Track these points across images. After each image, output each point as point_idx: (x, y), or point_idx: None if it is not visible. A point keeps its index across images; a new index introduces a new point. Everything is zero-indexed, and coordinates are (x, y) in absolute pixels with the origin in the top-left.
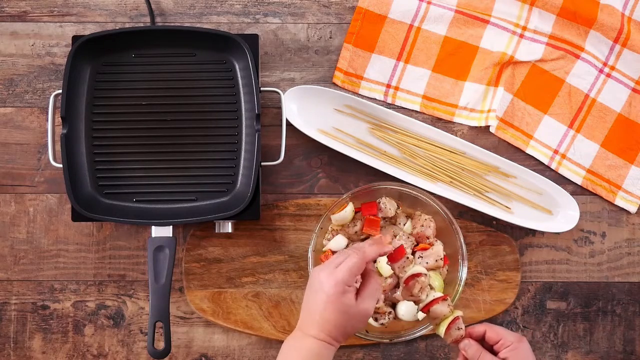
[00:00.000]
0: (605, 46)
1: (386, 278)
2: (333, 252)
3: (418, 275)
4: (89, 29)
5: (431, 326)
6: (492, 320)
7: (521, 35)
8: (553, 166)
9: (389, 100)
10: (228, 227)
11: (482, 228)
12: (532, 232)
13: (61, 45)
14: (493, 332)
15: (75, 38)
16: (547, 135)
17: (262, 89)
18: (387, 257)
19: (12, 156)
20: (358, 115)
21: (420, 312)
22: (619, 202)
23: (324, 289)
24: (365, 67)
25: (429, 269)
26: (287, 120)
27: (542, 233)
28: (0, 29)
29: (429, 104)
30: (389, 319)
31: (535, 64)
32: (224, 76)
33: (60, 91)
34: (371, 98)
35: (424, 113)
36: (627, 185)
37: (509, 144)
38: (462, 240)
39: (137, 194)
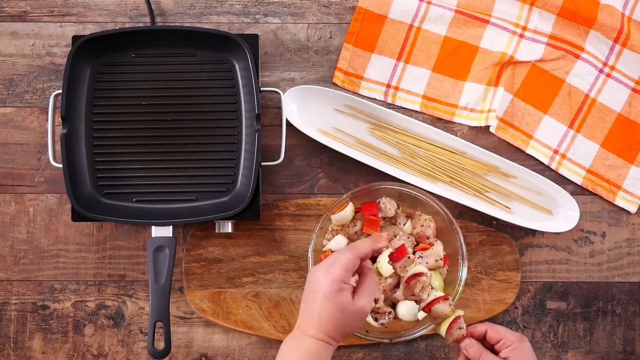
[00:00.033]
0: (605, 46)
1: (386, 278)
2: (333, 252)
3: (419, 274)
4: (89, 29)
5: (431, 326)
6: (492, 320)
7: (521, 35)
8: (553, 166)
9: (389, 100)
10: (228, 227)
11: (482, 228)
12: (532, 232)
13: (61, 45)
14: (494, 331)
15: (75, 38)
16: (547, 135)
17: (262, 89)
18: (389, 256)
19: (12, 156)
20: (358, 115)
21: (421, 312)
22: (619, 202)
23: (321, 287)
24: (365, 67)
25: (429, 269)
26: (287, 120)
27: (542, 233)
28: (0, 29)
29: (429, 104)
30: (389, 319)
31: (535, 64)
32: (224, 76)
33: (60, 91)
34: (371, 98)
35: (424, 113)
36: (627, 185)
37: (509, 144)
38: (462, 240)
39: (137, 194)
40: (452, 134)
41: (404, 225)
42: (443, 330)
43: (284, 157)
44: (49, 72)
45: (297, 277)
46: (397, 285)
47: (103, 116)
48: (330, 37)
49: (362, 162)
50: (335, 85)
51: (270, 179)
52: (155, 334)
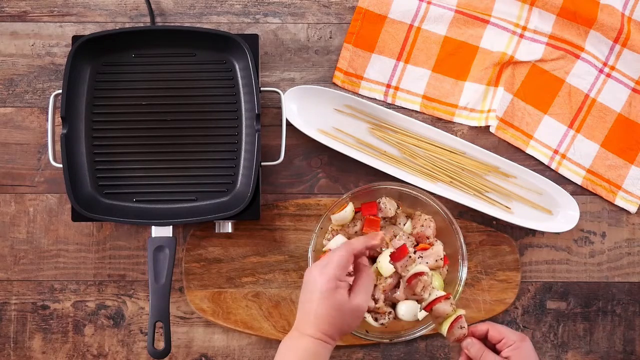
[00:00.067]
0: (605, 46)
1: (386, 278)
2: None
3: (421, 274)
4: (89, 29)
5: (431, 326)
6: (492, 320)
7: (521, 35)
8: (553, 166)
9: (389, 100)
10: (228, 227)
11: (482, 228)
12: (532, 232)
13: (61, 45)
14: (496, 330)
15: (75, 38)
16: (547, 135)
17: (262, 89)
18: (390, 256)
19: (12, 156)
20: (358, 115)
21: (421, 311)
22: (619, 202)
23: (317, 286)
24: (365, 67)
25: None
26: (287, 120)
27: (542, 233)
28: (0, 29)
29: (429, 104)
30: (389, 319)
31: (535, 64)
32: (224, 76)
33: (60, 91)
34: (371, 98)
35: (424, 113)
36: (627, 185)
37: (509, 144)
38: (462, 240)
39: (137, 194)
40: (452, 134)
41: (404, 225)
42: (444, 329)
43: (284, 157)
44: (49, 72)
45: (297, 277)
46: (397, 285)
47: (103, 116)
48: (330, 37)
49: (362, 162)
50: (335, 85)
51: (270, 179)
52: (155, 334)
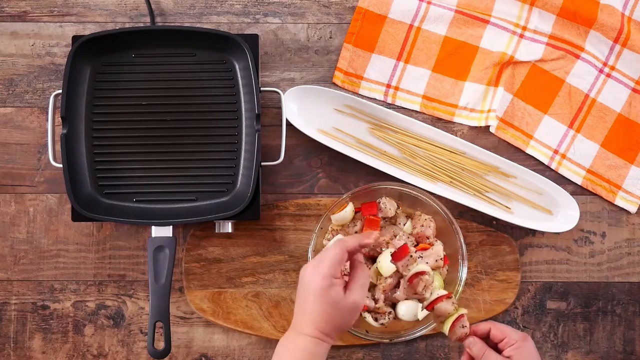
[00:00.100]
0: (605, 46)
1: (386, 278)
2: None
3: (422, 273)
4: (89, 29)
5: (431, 326)
6: (492, 320)
7: (521, 35)
8: (553, 166)
9: (389, 100)
10: (228, 227)
11: (482, 228)
12: (532, 232)
13: (61, 45)
14: (498, 330)
15: (75, 38)
16: (547, 135)
17: (262, 89)
18: (391, 255)
19: (12, 156)
20: (358, 115)
21: (421, 311)
22: (619, 202)
23: (311, 284)
24: (365, 67)
25: None
26: (287, 120)
27: (542, 233)
28: (0, 29)
29: (429, 104)
30: (389, 319)
31: (535, 64)
32: (224, 76)
33: (60, 91)
34: (371, 98)
35: (424, 113)
36: (627, 185)
37: (509, 144)
38: (462, 240)
39: (137, 194)
40: (452, 134)
41: (404, 225)
42: (446, 328)
43: (284, 157)
44: (49, 72)
45: (297, 277)
46: (397, 285)
47: (103, 116)
48: (330, 37)
49: (362, 162)
50: (335, 85)
51: (270, 179)
52: (155, 334)
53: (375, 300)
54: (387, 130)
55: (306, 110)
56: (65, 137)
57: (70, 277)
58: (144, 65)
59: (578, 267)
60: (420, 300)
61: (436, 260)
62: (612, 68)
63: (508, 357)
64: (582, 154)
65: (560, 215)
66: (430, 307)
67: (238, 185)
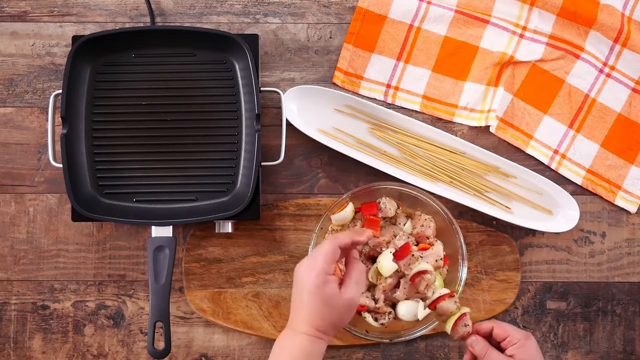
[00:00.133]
0: (605, 46)
1: (386, 278)
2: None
3: (424, 272)
4: (89, 29)
5: (431, 326)
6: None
7: (521, 35)
8: (553, 166)
9: (389, 100)
10: (228, 227)
11: (482, 228)
12: (532, 232)
13: (61, 45)
14: (500, 328)
15: (75, 38)
16: (547, 135)
17: (262, 89)
18: (393, 254)
19: (12, 156)
20: (358, 115)
21: (421, 311)
22: (619, 202)
23: (305, 282)
24: (365, 67)
25: None
26: (287, 120)
27: (542, 233)
28: (0, 29)
29: (429, 104)
30: (389, 319)
31: (535, 64)
32: (224, 76)
33: (60, 91)
34: (371, 98)
35: (424, 113)
36: (627, 185)
37: (509, 144)
38: (462, 240)
39: (137, 194)
40: (452, 134)
41: (404, 225)
42: (449, 327)
43: (284, 157)
44: (49, 72)
45: None
46: (397, 285)
47: (103, 116)
48: (330, 37)
49: (362, 162)
50: (335, 85)
51: (270, 179)
52: (155, 334)
53: (375, 300)
54: (387, 130)
55: (306, 110)
56: (65, 137)
57: (70, 277)
58: (144, 65)
59: (578, 267)
60: (423, 299)
61: (436, 260)
62: (612, 68)
63: (510, 356)
64: (582, 154)
65: (560, 215)
66: (432, 306)
67: (238, 185)
